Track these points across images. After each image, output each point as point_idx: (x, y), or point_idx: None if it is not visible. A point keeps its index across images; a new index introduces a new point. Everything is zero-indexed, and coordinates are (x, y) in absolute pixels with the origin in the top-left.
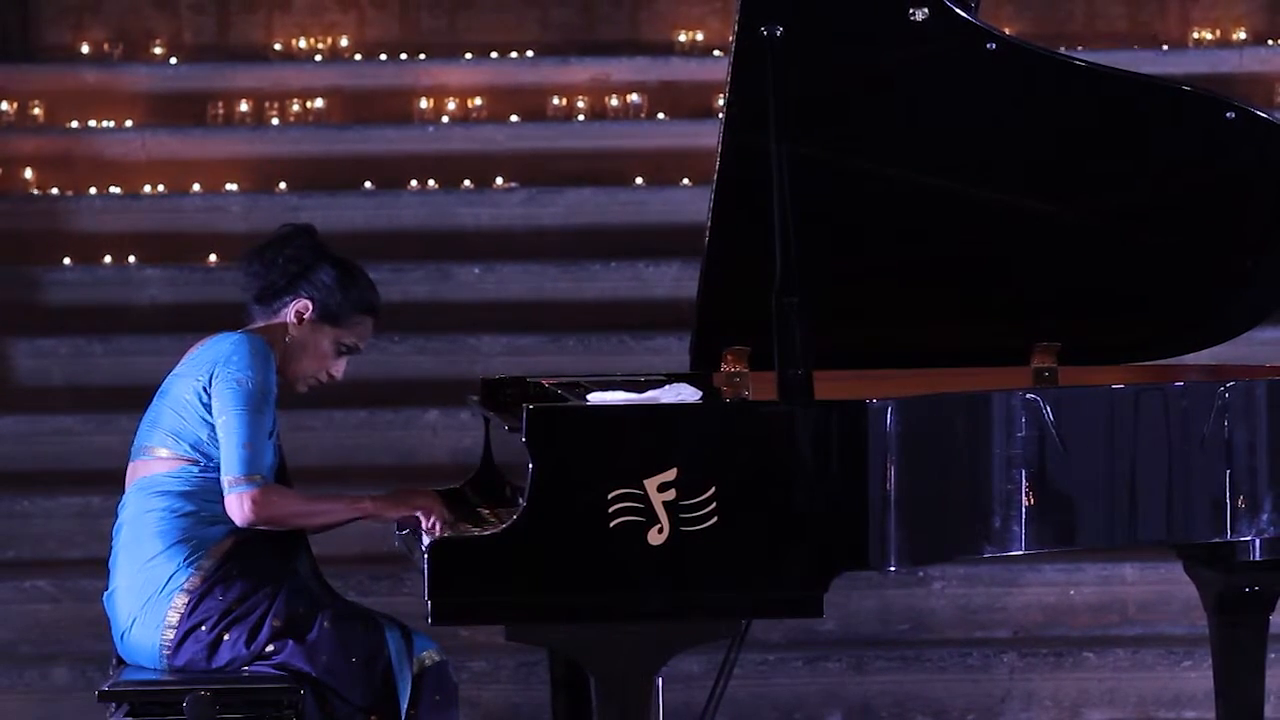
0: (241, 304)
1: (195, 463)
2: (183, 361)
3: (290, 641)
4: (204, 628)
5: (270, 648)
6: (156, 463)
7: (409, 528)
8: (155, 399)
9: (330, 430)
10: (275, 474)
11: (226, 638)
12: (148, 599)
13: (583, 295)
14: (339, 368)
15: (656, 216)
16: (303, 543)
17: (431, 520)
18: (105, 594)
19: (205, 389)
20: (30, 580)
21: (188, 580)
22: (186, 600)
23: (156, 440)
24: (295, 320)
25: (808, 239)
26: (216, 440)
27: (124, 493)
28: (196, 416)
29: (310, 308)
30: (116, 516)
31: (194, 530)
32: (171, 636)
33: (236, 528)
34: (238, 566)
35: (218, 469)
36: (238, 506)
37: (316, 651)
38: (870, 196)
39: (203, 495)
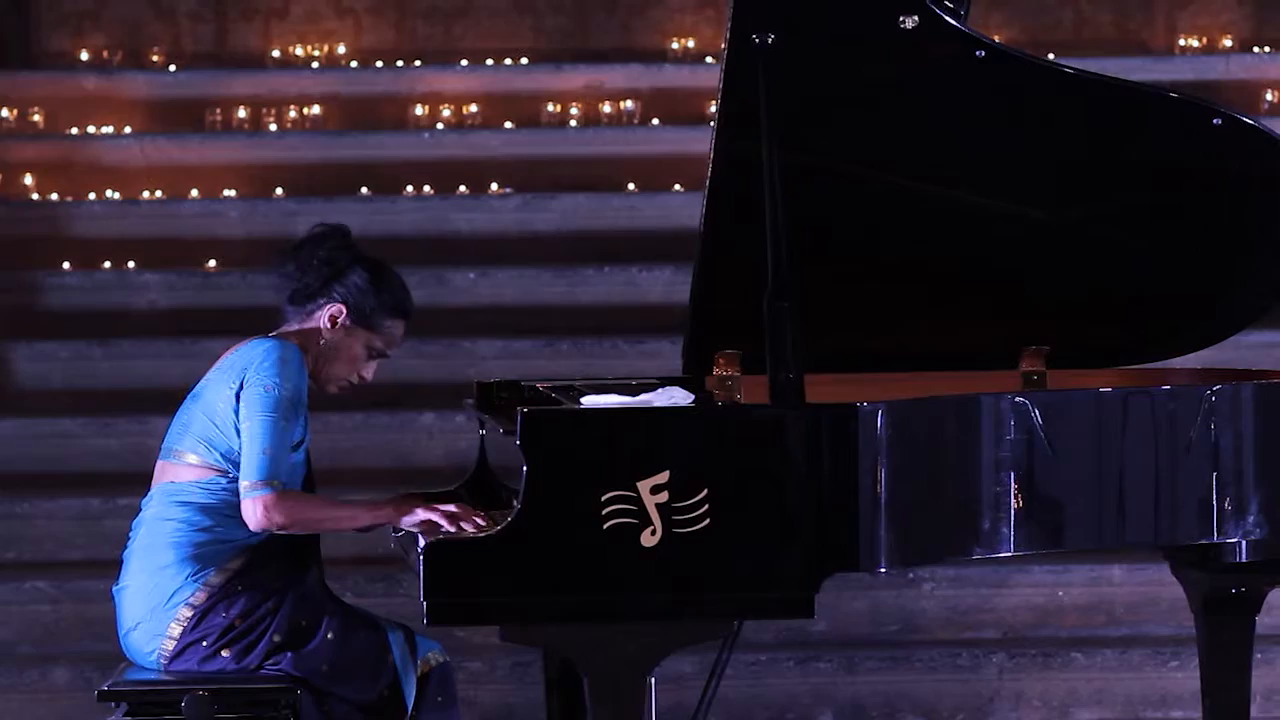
0: (241, 309)
1: (224, 473)
2: (216, 366)
3: (289, 653)
4: (204, 643)
5: (269, 662)
6: (185, 469)
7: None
8: (187, 401)
9: (327, 433)
10: (303, 482)
11: (225, 654)
12: (152, 608)
13: (576, 300)
14: (370, 370)
15: (649, 222)
16: (314, 555)
17: (458, 524)
18: (116, 587)
19: (237, 395)
20: (30, 581)
21: (193, 595)
22: (190, 615)
23: (187, 445)
24: (329, 324)
25: (799, 244)
26: None
27: (149, 489)
28: (231, 426)
29: (344, 312)
30: (140, 510)
31: (208, 546)
32: (171, 648)
33: (250, 546)
34: (244, 582)
35: None
36: (252, 512)
37: (321, 660)
38: (861, 202)
39: (224, 510)
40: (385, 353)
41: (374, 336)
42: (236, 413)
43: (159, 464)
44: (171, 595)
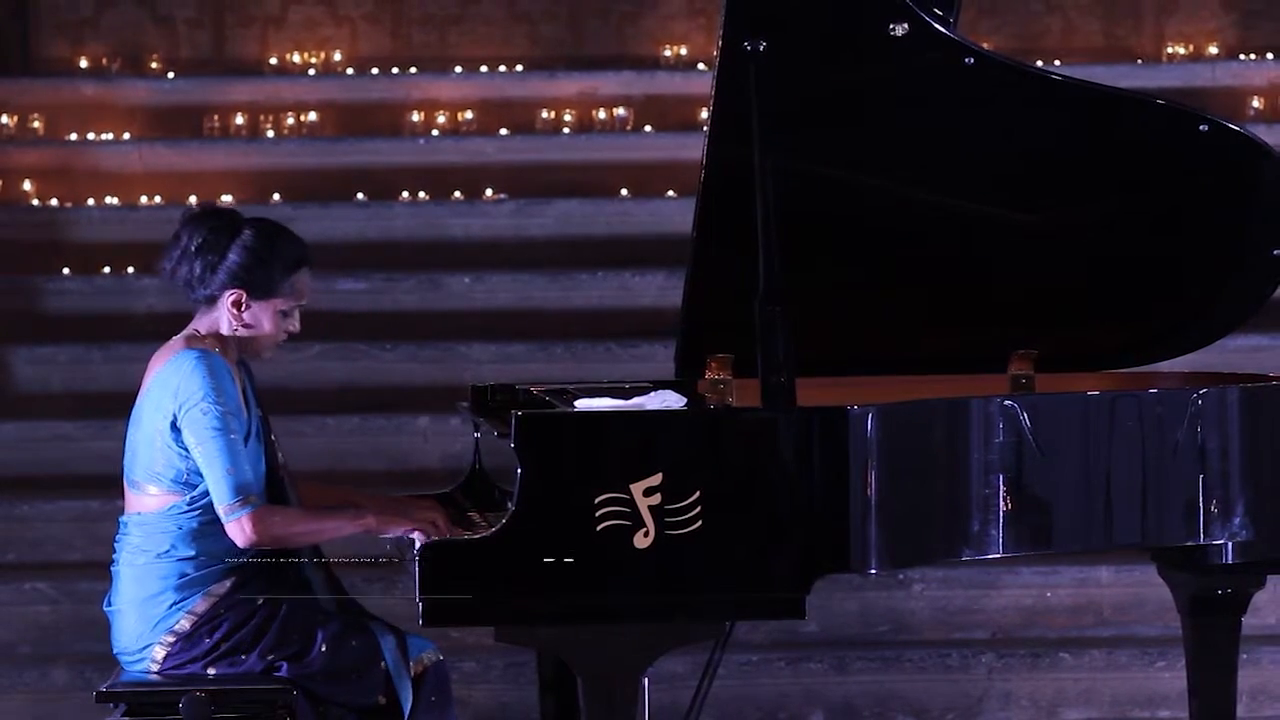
0: None
1: (182, 495)
2: (146, 388)
3: (285, 664)
4: (189, 666)
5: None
6: (148, 499)
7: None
8: (130, 427)
9: (323, 436)
10: (266, 475)
11: (211, 671)
12: (139, 634)
13: (570, 304)
14: (293, 322)
15: (642, 227)
16: (314, 556)
17: (433, 536)
18: (107, 607)
19: (174, 424)
20: (30, 583)
21: (178, 624)
22: (174, 640)
23: (142, 477)
24: (234, 310)
25: (790, 248)
26: (197, 467)
27: (123, 511)
28: (173, 453)
29: (243, 295)
30: (119, 529)
31: (194, 573)
32: (156, 669)
33: (235, 569)
34: (228, 603)
35: (207, 494)
36: (239, 532)
37: (315, 669)
38: (851, 207)
39: (199, 530)
40: (302, 304)
41: (283, 301)
42: (176, 440)
43: (125, 489)
44: (157, 624)
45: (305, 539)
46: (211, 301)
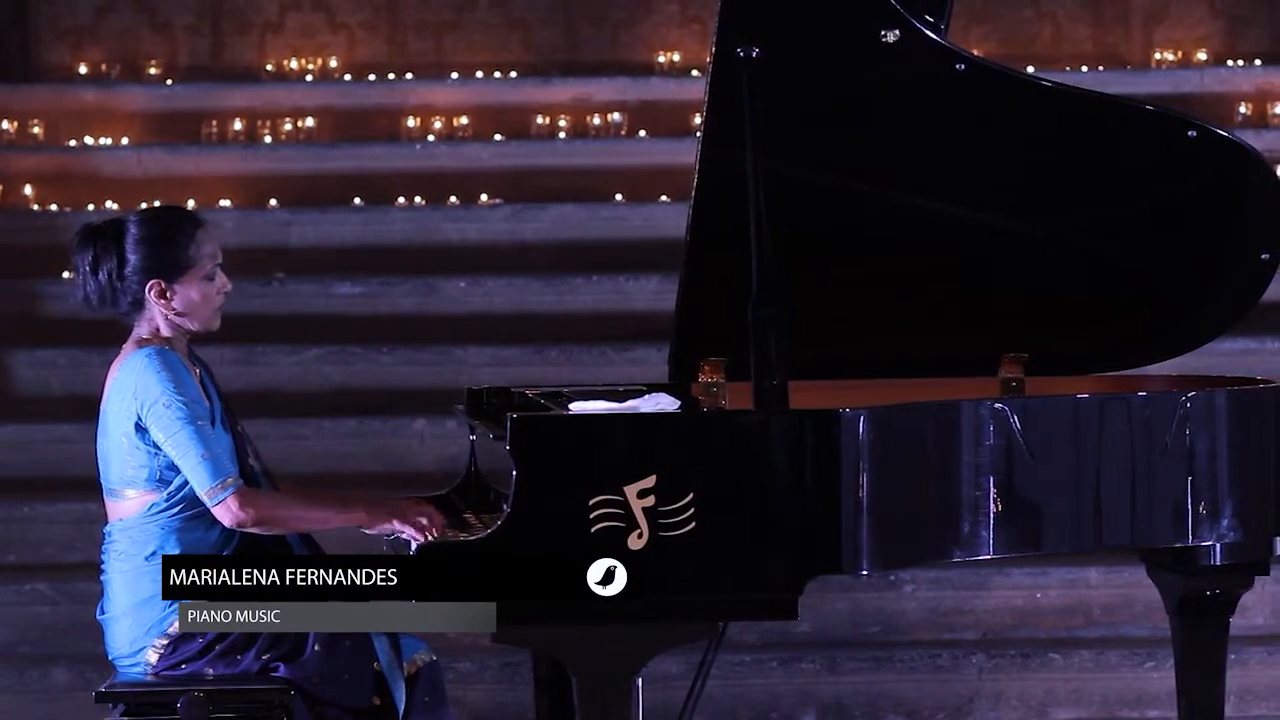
0: (234, 317)
1: (160, 492)
2: (108, 393)
3: (281, 665)
4: (184, 666)
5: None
6: (127, 503)
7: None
8: (99, 435)
9: (320, 438)
10: (239, 466)
11: (211, 671)
12: (134, 638)
13: (565, 308)
14: (221, 282)
15: (636, 232)
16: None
17: (427, 537)
18: (100, 615)
19: (138, 425)
20: (30, 583)
21: (171, 625)
22: (167, 643)
23: (117, 482)
24: (161, 300)
25: (783, 253)
26: (169, 461)
27: (107, 520)
28: (142, 454)
29: (162, 283)
30: (104, 539)
31: None
32: (150, 672)
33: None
34: None
35: (184, 485)
36: (227, 513)
37: (311, 671)
38: (843, 212)
39: (185, 530)
40: (219, 264)
41: (199, 268)
42: (144, 440)
43: (105, 499)
44: (150, 627)
45: (292, 523)
46: (139, 305)
